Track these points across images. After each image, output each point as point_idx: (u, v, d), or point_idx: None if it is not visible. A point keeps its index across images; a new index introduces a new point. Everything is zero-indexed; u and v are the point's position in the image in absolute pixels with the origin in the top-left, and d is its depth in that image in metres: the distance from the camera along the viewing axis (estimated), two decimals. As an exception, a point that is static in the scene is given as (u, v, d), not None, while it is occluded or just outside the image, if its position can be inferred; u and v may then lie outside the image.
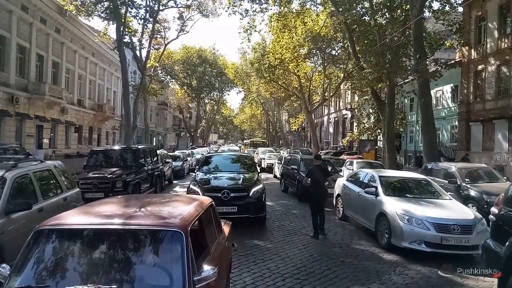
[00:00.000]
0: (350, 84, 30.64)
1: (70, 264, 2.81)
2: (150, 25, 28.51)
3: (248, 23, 26.53)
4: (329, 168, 14.14)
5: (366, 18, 21.21)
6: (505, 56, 20.88)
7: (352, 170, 14.83)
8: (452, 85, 26.49)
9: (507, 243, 4.36)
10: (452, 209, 7.33)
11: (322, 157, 16.70)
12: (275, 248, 7.22)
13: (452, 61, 23.23)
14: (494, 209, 5.08)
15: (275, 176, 21.77)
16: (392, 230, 7.08)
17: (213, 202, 4.30)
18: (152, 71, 34.57)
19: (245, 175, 9.89)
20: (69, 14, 26.18)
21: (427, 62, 17.34)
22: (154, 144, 46.24)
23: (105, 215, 3.27)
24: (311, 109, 37.39)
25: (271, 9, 25.90)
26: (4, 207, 4.95)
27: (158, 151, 16.47)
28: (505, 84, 21.29)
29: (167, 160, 18.57)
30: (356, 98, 37.82)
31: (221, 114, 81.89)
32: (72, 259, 2.83)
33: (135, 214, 3.31)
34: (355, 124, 37.90)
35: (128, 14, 25.45)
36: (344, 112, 46.00)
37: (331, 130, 53.24)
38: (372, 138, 28.32)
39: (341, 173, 15.25)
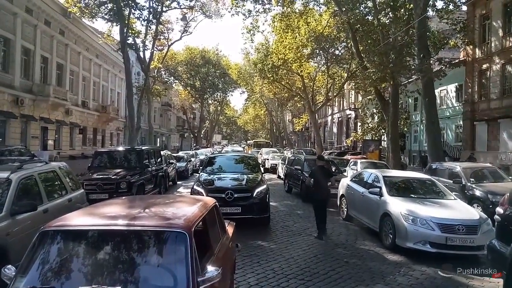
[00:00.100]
0: (353, 84, 30.56)
1: (75, 265, 2.82)
2: (153, 27, 28.65)
3: (251, 23, 26.57)
4: (333, 169, 14.15)
5: (370, 17, 21.12)
6: (510, 54, 20.76)
7: (356, 170, 14.79)
8: (456, 84, 26.35)
9: (512, 244, 4.33)
10: (457, 209, 7.29)
11: (326, 157, 16.69)
12: (279, 249, 7.21)
13: (456, 60, 23.11)
14: (499, 209, 5.04)
15: (278, 177, 21.76)
16: (397, 230, 7.05)
17: (217, 203, 4.30)
18: (155, 72, 34.72)
19: (249, 175, 9.90)
20: (73, 16, 26.37)
21: (431, 62, 17.26)
22: (158, 145, 46.39)
23: (110, 216, 3.28)
24: (315, 109, 37.28)
25: (274, 10, 25.87)
26: (10, 208, 4.98)
27: (162, 152, 16.51)
28: (510, 83, 21.16)
29: (171, 161, 18.64)
30: (360, 98, 37.73)
31: (225, 114, 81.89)
32: (77, 260, 2.84)
33: (140, 215, 3.33)
34: (359, 124, 37.78)
35: (131, 16, 25.59)
36: (347, 112, 45.90)
37: (334, 130, 53.13)
38: (376, 138, 28.20)
39: (345, 174, 15.21)
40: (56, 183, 6.63)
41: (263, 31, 54.66)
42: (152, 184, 12.78)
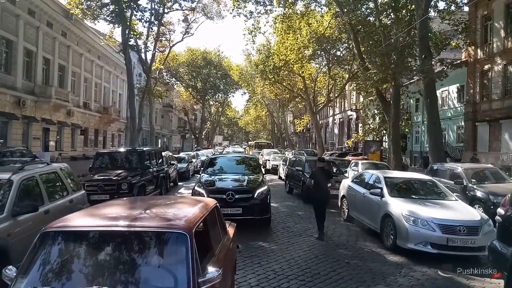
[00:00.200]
0: (355, 85, 30.52)
1: (76, 266, 2.83)
2: (155, 28, 28.74)
3: (252, 24, 26.55)
4: (334, 169, 14.16)
5: (371, 18, 21.13)
6: (512, 55, 20.72)
7: (357, 171, 14.78)
8: (458, 85, 26.31)
9: (513, 245, 4.33)
10: (458, 210, 7.28)
11: (327, 158, 16.69)
12: (280, 250, 7.22)
13: (458, 61, 23.07)
14: (500, 210, 5.03)
15: (280, 178, 21.76)
16: (398, 231, 7.04)
17: (217, 204, 4.31)
18: (157, 73, 34.75)
19: (250, 176, 9.89)
20: (75, 18, 26.44)
21: (433, 62, 17.23)
22: (159, 146, 46.42)
23: (111, 217, 3.29)
24: (316, 110, 37.28)
25: (275, 11, 25.96)
26: (11, 209, 5.00)
27: (163, 153, 16.54)
28: (512, 83, 21.12)
29: (172, 162, 18.65)
30: (361, 99, 37.66)
31: (226, 115, 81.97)
32: (78, 261, 2.85)
33: (140, 216, 3.33)
34: (360, 125, 37.74)
35: (133, 17, 25.66)
36: (349, 113, 45.87)
37: (336, 131, 53.09)
38: (377, 139, 28.16)
39: (346, 174, 15.20)
40: (57, 184, 6.64)
41: (265, 32, 54.95)
42: (153, 185, 12.78)
